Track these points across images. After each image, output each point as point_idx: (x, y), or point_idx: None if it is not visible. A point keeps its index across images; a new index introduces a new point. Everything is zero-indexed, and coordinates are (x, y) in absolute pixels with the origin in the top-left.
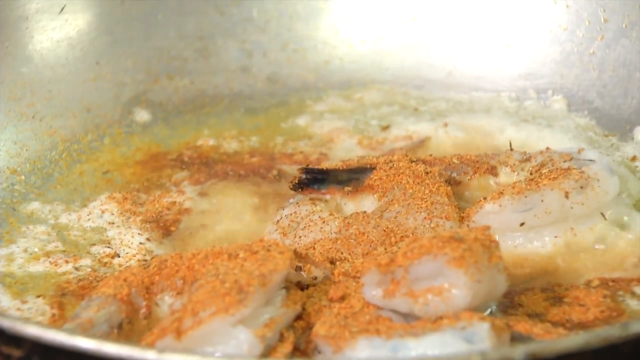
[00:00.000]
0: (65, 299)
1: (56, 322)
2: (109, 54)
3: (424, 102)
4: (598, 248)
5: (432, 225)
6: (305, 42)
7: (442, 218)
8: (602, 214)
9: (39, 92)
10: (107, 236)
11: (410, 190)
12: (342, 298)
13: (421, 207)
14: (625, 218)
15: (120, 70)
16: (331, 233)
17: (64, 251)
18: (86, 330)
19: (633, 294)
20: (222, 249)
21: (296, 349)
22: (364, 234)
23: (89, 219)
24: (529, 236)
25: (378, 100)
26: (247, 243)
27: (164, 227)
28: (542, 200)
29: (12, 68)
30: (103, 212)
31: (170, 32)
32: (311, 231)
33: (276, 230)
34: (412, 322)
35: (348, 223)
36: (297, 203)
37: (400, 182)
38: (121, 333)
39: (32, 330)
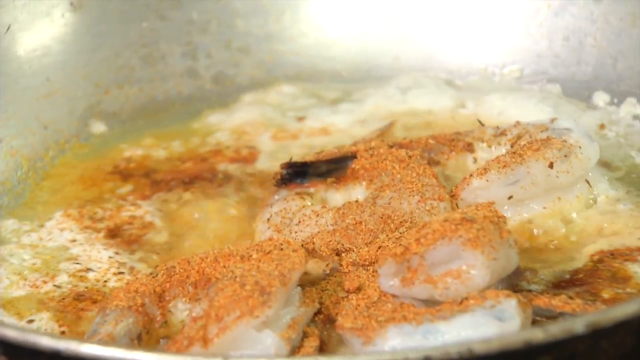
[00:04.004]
0: (66, 315)
1: None
2: (58, 69)
3: (373, 88)
4: (587, 217)
5: (427, 207)
6: (247, 39)
7: (435, 199)
8: (587, 182)
9: None
10: (72, 254)
11: (399, 175)
12: (359, 288)
13: (413, 191)
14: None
15: (71, 84)
16: (327, 225)
17: (38, 271)
18: (109, 345)
19: (635, 261)
20: (231, 250)
21: (322, 342)
22: (361, 223)
23: (49, 239)
24: (517, 209)
25: (297, 93)
26: (256, 243)
27: (128, 241)
28: (528, 172)
29: None
30: (62, 230)
31: (115, 42)
32: (307, 225)
33: (269, 228)
34: (434, 307)
35: (343, 214)
36: (285, 199)
37: (386, 168)
38: (141, 344)
39: (87, 349)
